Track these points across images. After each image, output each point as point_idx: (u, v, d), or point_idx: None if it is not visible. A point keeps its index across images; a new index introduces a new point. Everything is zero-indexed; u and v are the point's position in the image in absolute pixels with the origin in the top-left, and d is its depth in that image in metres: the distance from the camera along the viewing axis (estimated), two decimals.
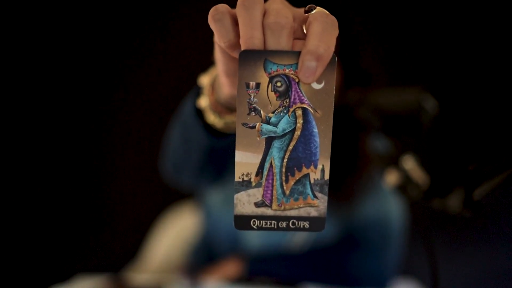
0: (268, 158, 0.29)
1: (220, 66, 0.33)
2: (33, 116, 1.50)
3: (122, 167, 1.57)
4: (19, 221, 1.52)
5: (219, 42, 0.29)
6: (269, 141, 0.29)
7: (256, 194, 0.29)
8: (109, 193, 1.55)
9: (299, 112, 0.29)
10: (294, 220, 0.29)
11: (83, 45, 1.50)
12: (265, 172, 0.29)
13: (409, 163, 0.42)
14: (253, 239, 0.80)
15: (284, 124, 0.29)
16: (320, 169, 0.29)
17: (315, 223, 0.29)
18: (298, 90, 0.28)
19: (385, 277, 0.72)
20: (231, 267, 0.76)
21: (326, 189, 0.29)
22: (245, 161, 0.29)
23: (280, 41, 0.27)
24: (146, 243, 1.13)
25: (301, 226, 0.29)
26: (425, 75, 1.50)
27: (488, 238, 1.51)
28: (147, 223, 1.19)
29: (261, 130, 0.28)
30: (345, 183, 0.75)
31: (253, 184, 0.29)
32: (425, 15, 1.49)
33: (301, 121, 0.29)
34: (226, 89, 0.35)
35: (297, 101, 0.28)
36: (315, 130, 0.29)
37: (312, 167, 0.29)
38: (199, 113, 0.43)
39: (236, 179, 0.29)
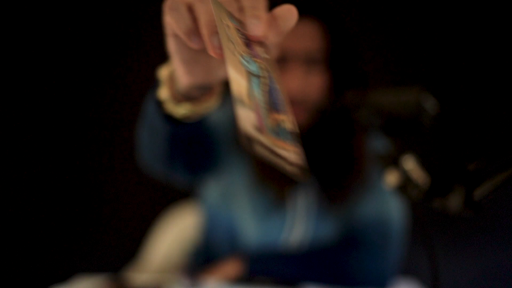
0: (250, 88, 0.28)
1: (176, 56, 0.34)
2: (31, 116, 1.51)
3: (122, 167, 1.57)
4: (18, 221, 1.52)
5: (177, 30, 0.31)
6: (248, 75, 0.28)
7: (251, 116, 0.27)
8: (109, 193, 1.56)
9: (262, 65, 0.29)
10: (286, 161, 0.27)
11: (82, 45, 1.50)
12: (252, 100, 0.27)
13: (409, 163, 0.42)
14: (251, 237, 0.80)
15: (255, 68, 0.29)
16: (291, 120, 0.29)
17: (301, 171, 0.28)
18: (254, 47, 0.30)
19: (385, 277, 0.72)
20: (231, 267, 0.76)
21: (299, 141, 0.29)
22: (236, 79, 0.27)
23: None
24: (146, 243, 1.13)
25: (291, 169, 0.27)
26: (425, 75, 1.50)
27: (488, 238, 1.51)
28: (147, 223, 1.20)
29: (243, 58, 0.29)
30: (345, 183, 0.75)
31: (246, 103, 0.27)
32: (425, 15, 1.49)
33: (265, 74, 0.29)
34: (184, 78, 0.36)
35: (257, 56, 0.30)
36: (276, 86, 0.30)
37: (284, 115, 0.29)
38: (160, 104, 0.43)
39: (233, 93, 0.27)
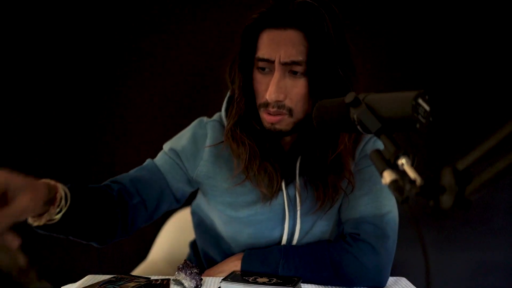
0: None
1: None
2: (35, 115, 1.52)
3: (124, 168, 1.58)
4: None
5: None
6: None
7: None
8: None
9: None
10: None
11: (85, 46, 1.52)
12: None
13: (404, 161, 0.43)
14: (248, 236, 0.81)
15: None
16: None
17: None
18: None
19: (380, 273, 0.72)
20: (231, 267, 0.77)
21: None
22: None
23: None
24: (148, 243, 1.14)
25: None
26: (421, 77, 1.51)
27: (479, 234, 1.53)
28: (151, 224, 1.21)
29: None
30: (340, 182, 0.76)
31: None
32: (424, 17, 1.50)
33: None
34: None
35: None
36: None
37: None
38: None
39: None
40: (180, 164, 0.82)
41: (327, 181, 0.75)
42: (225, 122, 0.80)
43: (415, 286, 0.76)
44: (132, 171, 0.83)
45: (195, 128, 0.84)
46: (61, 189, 0.58)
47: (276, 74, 0.69)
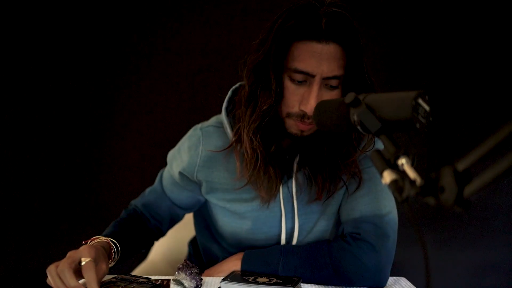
0: None
1: None
2: (33, 115, 1.52)
3: (123, 167, 1.58)
4: (19, 220, 1.54)
5: None
6: None
7: None
8: (108, 192, 1.57)
9: None
10: None
11: (85, 47, 1.52)
12: None
13: (404, 162, 0.43)
14: (247, 235, 0.82)
15: None
16: None
17: None
18: None
19: (380, 272, 0.72)
20: (231, 266, 0.77)
21: None
22: None
23: None
24: None
25: None
26: (421, 76, 1.51)
27: (479, 234, 1.52)
28: None
29: None
30: (340, 181, 0.77)
31: None
32: (424, 17, 1.50)
33: None
34: None
35: None
36: None
37: None
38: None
39: None
40: (182, 183, 0.86)
41: (325, 173, 0.76)
42: (226, 123, 0.79)
43: (415, 286, 0.76)
44: (145, 194, 0.93)
45: (189, 138, 0.85)
46: (112, 244, 0.74)
47: (316, 88, 0.69)
